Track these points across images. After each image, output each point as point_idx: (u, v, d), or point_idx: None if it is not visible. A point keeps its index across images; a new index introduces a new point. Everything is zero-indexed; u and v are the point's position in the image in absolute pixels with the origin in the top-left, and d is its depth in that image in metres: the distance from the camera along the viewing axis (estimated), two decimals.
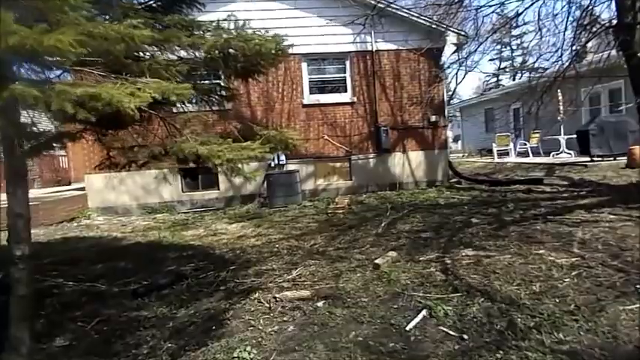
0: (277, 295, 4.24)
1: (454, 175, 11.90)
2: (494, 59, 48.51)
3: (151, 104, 3.86)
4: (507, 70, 49.14)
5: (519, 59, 47.95)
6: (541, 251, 5.01)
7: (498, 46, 45.55)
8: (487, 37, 11.31)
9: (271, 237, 6.80)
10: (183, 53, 4.51)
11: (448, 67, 11.54)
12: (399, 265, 4.88)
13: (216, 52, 3.86)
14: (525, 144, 16.85)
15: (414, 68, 11.37)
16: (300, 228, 7.28)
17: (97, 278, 5.34)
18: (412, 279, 4.42)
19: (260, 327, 3.64)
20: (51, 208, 9.23)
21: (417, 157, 11.56)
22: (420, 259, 5.05)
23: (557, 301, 3.64)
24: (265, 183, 10.19)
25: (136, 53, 3.06)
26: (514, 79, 45.23)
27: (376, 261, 4.89)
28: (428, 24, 10.94)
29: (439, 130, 11.63)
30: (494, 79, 49.47)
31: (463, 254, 5.08)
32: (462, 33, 11.13)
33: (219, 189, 11.02)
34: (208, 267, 5.48)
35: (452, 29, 11.04)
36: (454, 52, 11.58)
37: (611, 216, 6.32)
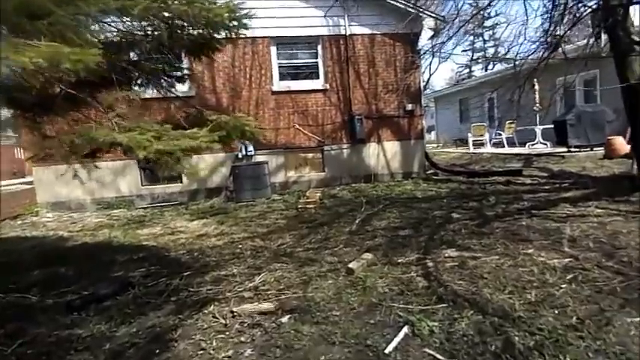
0: (235, 309, 3.63)
1: (431, 166, 11.47)
2: (466, 50, 48.62)
3: (80, 83, 3.16)
4: (480, 60, 49.38)
5: (491, 50, 48.31)
6: (530, 250, 4.56)
7: (471, 37, 45.67)
8: (461, 27, 10.89)
9: (235, 236, 6.17)
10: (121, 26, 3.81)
11: (423, 54, 11.02)
12: (375, 269, 4.33)
13: (157, 21, 3.19)
14: (501, 134, 16.63)
15: (389, 54, 10.82)
16: (267, 225, 6.67)
17: (30, 287, 4.63)
18: (391, 286, 3.89)
19: (212, 351, 3.04)
20: None
21: (392, 147, 11.07)
22: (399, 261, 4.53)
23: (557, 312, 3.16)
24: (232, 176, 9.49)
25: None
26: (486, 70, 45.49)
27: (350, 265, 4.33)
28: (404, 7, 10.38)
29: (415, 119, 11.15)
30: (467, 69, 49.69)
31: (446, 255, 4.58)
32: (440, 17, 10.63)
33: (182, 182, 10.27)
34: (160, 272, 4.82)
35: (429, 13, 10.55)
36: (431, 38, 11.08)
37: (599, 210, 5.94)
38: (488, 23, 44.12)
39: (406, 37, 10.73)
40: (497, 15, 42.52)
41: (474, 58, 48.75)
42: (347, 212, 7.17)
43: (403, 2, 10.37)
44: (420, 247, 4.95)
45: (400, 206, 7.34)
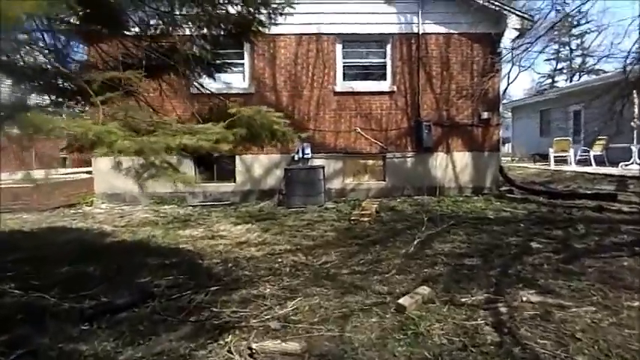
0: (255, 346, 2.99)
1: (505, 182, 10.26)
2: (550, 59, 45.30)
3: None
4: (565, 70, 45.93)
5: (578, 60, 44.70)
6: (637, 303, 3.53)
7: (555, 46, 42.45)
8: (547, 31, 9.66)
9: (276, 247, 5.56)
10: None
11: (504, 58, 9.90)
12: (432, 308, 3.52)
13: None
14: (587, 151, 14.85)
15: (466, 55, 9.80)
16: (313, 237, 6.01)
17: (53, 287, 4.28)
18: (450, 335, 3.07)
19: None
20: (50, 191, 8.38)
21: (462, 158, 10.01)
22: (463, 300, 3.67)
23: None
24: (284, 179, 8.95)
25: None
26: (571, 81, 42.09)
27: (401, 300, 3.55)
28: (486, 4, 9.33)
29: (491, 129, 10.02)
30: (550, 80, 46.36)
31: (524, 299, 3.66)
32: (527, 16, 9.45)
33: (235, 181, 9.91)
34: (187, 284, 4.31)
35: (515, 11, 9.40)
36: (516, 39, 9.90)
37: None
38: (575, 32, 40.76)
39: (486, 37, 9.66)
40: (587, 22, 39.02)
41: (559, 67, 45.49)
42: (405, 230, 6.34)
43: None
44: (490, 284, 4.05)
45: (468, 227, 6.38)
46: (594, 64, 43.01)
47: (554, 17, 10.94)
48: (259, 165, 9.84)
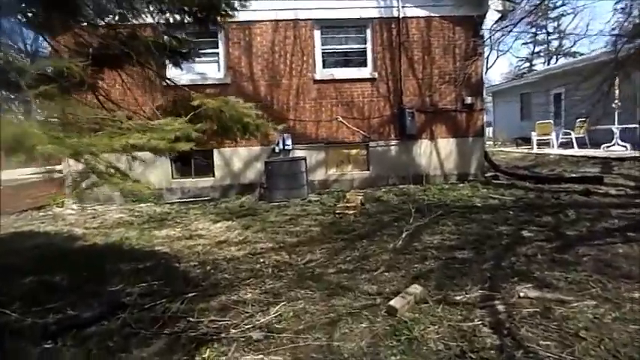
0: None
1: (490, 167, 10.12)
2: (527, 43, 45.55)
3: None
4: (542, 54, 46.26)
5: (555, 43, 45.04)
6: (638, 295, 3.36)
7: (533, 29, 42.57)
8: (523, 18, 9.47)
9: (258, 245, 5.27)
10: None
11: (485, 42, 9.69)
12: (425, 309, 3.28)
13: None
14: (569, 134, 14.84)
15: (448, 39, 9.55)
16: (297, 233, 5.73)
17: (15, 300, 3.93)
18: (447, 339, 2.84)
19: None
20: (14, 193, 7.91)
21: (447, 145, 9.82)
22: (457, 298, 3.46)
23: None
24: (265, 172, 8.61)
25: None
26: (549, 64, 42.36)
27: (392, 302, 3.30)
28: None
29: (475, 114, 9.83)
30: (528, 63, 46.65)
31: (521, 294, 3.45)
32: None
33: (214, 176, 9.54)
34: (162, 291, 4.00)
35: None
36: (497, 21, 9.69)
37: None
38: (552, 14, 40.90)
39: (468, 20, 9.42)
40: (562, 5, 39.03)
41: (536, 51, 45.76)
42: (392, 222, 6.10)
43: None
44: (484, 279, 3.84)
45: (456, 217, 6.18)
46: (571, 47, 43.51)
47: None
48: (239, 158, 9.49)
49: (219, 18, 3.23)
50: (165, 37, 3.41)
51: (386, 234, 5.44)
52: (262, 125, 2.72)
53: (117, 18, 3.27)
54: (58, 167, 9.82)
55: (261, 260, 4.69)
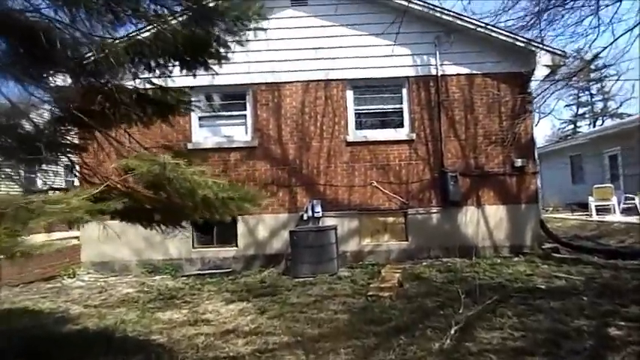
0: None
1: (548, 238, 8.86)
2: (570, 105, 44.34)
3: None
4: (587, 115, 44.83)
5: (600, 104, 43.66)
6: None
7: (575, 91, 41.47)
8: (580, 69, 8.65)
9: (271, 338, 4.30)
10: None
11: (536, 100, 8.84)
12: None
13: None
14: (633, 198, 13.34)
15: (492, 97, 8.75)
16: (320, 322, 4.72)
17: None
18: None
19: None
20: (24, 262, 7.36)
21: (496, 212, 8.71)
22: None
23: None
24: (290, 243, 7.73)
25: None
26: (594, 126, 40.76)
27: None
28: (512, 41, 8.40)
29: (527, 177, 8.77)
30: (571, 125, 45.16)
31: None
32: (559, 51, 8.45)
33: (237, 245, 8.76)
34: None
35: (545, 47, 8.41)
36: (546, 77, 8.87)
37: None
38: (594, 75, 39.82)
39: (514, 76, 8.65)
40: (605, 67, 37.85)
41: (580, 113, 44.37)
42: (437, 309, 5.01)
43: (511, 35, 8.39)
44: None
45: (517, 304, 5.02)
46: (617, 108, 41.92)
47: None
48: (264, 226, 8.73)
49: (210, 60, 2.57)
50: (150, 86, 2.77)
51: (430, 327, 4.35)
52: (236, 201, 1.95)
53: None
54: (74, 234, 9.40)
55: None
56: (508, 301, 5.13)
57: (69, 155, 2.92)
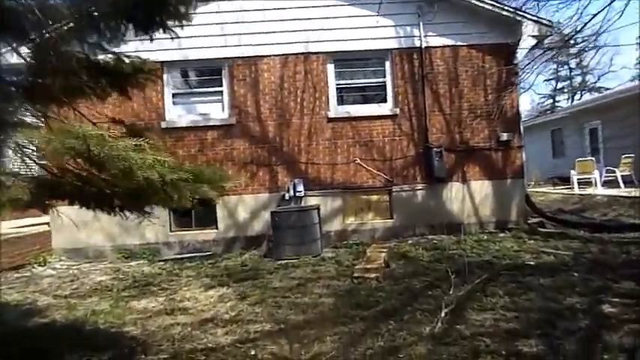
0: None
1: (533, 213, 8.77)
2: (549, 79, 44.59)
3: None
4: (566, 90, 45.24)
5: (578, 78, 44.05)
6: None
7: (554, 66, 41.62)
8: (566, 40, 8.42)
9: (252, 327, 4.05)
10: None
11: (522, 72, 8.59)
12: None
13: None
14: (614, 171, 13.39)
15: (478, 69, 8.50)
16: (304, 308, 4.49)
17: None
18: None
19: None
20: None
21: (482, 188, 8.56)
22: None
23: None
24: (272, 224, 7.44)
25: None
26: (572, 100, 41.14)
27: None
28: (498, 10, 8.11)
29: (512, 152, 8.61)
30: (550, 100, 45.56)
31: None
32: (545, 21, 8.19)
33: (217, 228, 8.45)
34: None
35: (531, 16, 8.15)
36: (532, 49, 8.63)
37: None
38: (573, 50, 39.92)
39: (500, 47, 8.40)
40: (583, 41, 37.80)
41: (559, 87, 44.73)
42: (425, 289, 4.83)
43: (498, 4, 8.10)
44: None
45: (507, 282, 4.87)
46: (595, 82, 42.31)
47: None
48: (244, 207, 8.42)
49: (169, 21, 2.23)
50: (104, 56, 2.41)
51: (419, 309, 4.16)
52: (191, 183, 1.64)
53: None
54: (43, 220, 8.95)
55: (252, 353, 3.47)
56: (498, 279, 4.98)
57: (17, 135, 2.55)
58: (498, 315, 3.90)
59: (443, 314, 3.91)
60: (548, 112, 36.42)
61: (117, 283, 6.12)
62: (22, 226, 8.55)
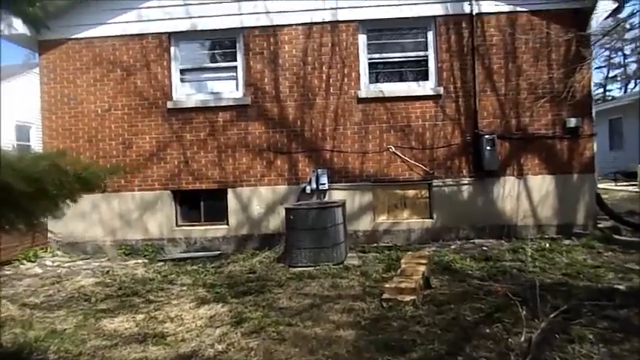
0: None
1: (606, 215, 7.27)
2: (601, 67, 41.39)
3: None
4: (619, 78, 41.98)
5: (633, 66, 40.69)
6: None
7: (606, 53, 38.48)
8: (596, 42, 6.86)
9: None
10: None
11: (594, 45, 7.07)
12: None
13: None
14: None
15: (541, 41, 7.02)
16: (314, 343, 3.32)
17: None
18: None
19: None
20: None
21: (542, 184, 7.13)
22: None
23: None
24: (286, 223, 6.28)
25: None
26: (625, 91, 38.09)
27: None
28: None
29: (582, 141, 7.13)
30: (601, 89, 42.40)
31: None
32: None
33: (228, 223, 7.40)
34: None
35: None
36: (609, 17, 7.07)
37: None
38: (628, 36, 36.82)
39: (570, 14, 6.91)
40: None
41: (611, 75, 41.53)
42: (480, 323, 3.56)
43: None
44: None
45: (595, 317, 3.54)
46: None
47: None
48: (259, 201, 7.33)
49: None
50: None
51: (474, 359, 2.92)
52: None
53: None
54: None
55: None
56: (580, 312, 3.65)
57: None
58: None
59: None
60: (599, 101, 33.79)
61: (99, 290, 5.14)
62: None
